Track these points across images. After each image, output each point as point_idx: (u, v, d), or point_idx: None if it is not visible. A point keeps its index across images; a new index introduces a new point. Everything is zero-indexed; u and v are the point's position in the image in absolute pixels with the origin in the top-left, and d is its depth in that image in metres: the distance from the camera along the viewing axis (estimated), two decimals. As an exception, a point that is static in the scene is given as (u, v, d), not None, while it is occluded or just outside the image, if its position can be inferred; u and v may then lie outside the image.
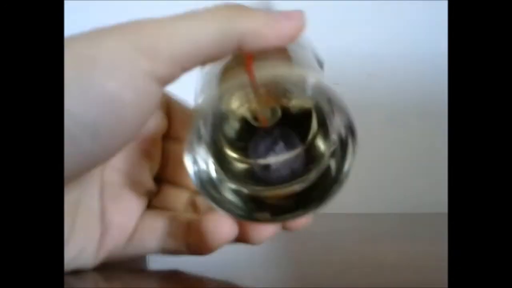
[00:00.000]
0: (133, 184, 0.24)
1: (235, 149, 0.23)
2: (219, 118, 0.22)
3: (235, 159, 0.23)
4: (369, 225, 0.40)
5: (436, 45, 0.55)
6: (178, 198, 0.25)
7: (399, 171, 0.56)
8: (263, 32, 0.20)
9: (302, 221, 0.22)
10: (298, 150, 0.23)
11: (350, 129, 0.21)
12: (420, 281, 0.20)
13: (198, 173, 0.21)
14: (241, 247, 0.22)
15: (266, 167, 0.23)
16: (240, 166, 0.23)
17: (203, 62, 0.21)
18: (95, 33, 0.19)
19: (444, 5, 0.57)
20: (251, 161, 0.23)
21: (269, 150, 0.23)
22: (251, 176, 0.23)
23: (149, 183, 0.25)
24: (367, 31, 0.56)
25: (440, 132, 0.54)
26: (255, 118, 0.23)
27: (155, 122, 0.24)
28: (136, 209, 0.24)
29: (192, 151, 0.21)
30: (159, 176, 0.25)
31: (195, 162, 0.21)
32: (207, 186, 0.21)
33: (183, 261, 0.24)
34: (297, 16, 0.21)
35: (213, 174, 0.22)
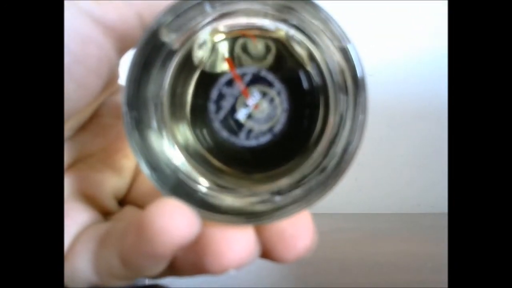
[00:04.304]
0: (83, 197, 0.19)
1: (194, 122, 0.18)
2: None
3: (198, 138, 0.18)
4: (369, 225, 0.40)
5: (436, 46, 0.55)
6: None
7: (399, 171, 0.56)
8: None
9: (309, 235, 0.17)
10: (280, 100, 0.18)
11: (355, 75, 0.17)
12: (420, 281, 0.20)
13: (159, 178, 0.17)
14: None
15: (235, 126, 0.18)
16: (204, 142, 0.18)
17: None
18: None
19: (444, 5, 0.57)
20: (215, 123, 0.18)
21: (238, 103, 0.18)
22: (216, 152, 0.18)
23: (107, 202, 0.20)
24: (367, 32, 0.56)
25: (440, 132, 0.54)
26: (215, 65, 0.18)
27: None
28: (74, 227, 0.18)
29: (141, 152, 0.17)
30: (126, 197, 0.20)
31: (151, 166, 0.17)
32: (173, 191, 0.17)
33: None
34: None
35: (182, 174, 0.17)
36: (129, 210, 0.20)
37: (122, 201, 0.21)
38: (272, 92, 0.18)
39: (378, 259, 0.25)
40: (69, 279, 0.17)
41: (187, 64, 0.18)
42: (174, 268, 0.17)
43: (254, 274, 0.23)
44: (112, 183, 0.20)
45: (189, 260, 0.16)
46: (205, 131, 0.18)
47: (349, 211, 0.54)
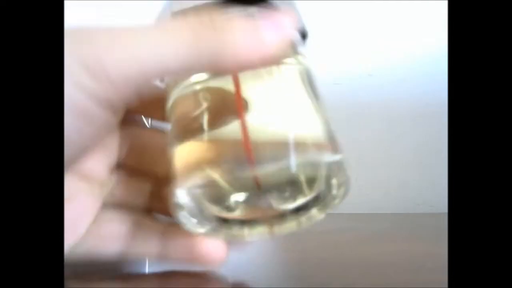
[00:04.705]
0: (83, 178, 0.21)
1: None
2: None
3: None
4: (369, 225, 0.40)
5: (436, 45, 0.55)
6: (141, 190, 0.22)
7: (399, 171, 0.56)
8: (240, 49, 0.16)
9: None
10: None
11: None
12: (420, 281, 0.20)
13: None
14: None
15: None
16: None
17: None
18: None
19: (444, 5, 0.57)
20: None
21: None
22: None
23: (103, 175, 0.22)
24: (368, 32, 0.56)
25: (440, 132, 0.54)
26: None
27: None
28: (87, 205, 0.21)
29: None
30: (117, 164, 0.23)
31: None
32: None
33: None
34: (284, 22, 0.17)
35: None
36: (128, 186, 0.23)
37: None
38: None
39: (378, 259, 0.25)
40: (86, 256, 0.20)
41: None
42: None
43: (253, 274, 0.23)
44: (107, 161, 0.22)
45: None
46: None
47: (349, 211, 0.54)
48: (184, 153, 0.18)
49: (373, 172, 0.56)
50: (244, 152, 0.17)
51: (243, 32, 0.16)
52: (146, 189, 0.23)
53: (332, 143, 0.19)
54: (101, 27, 0.16)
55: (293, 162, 0.17)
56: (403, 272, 0.22)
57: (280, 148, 0.17)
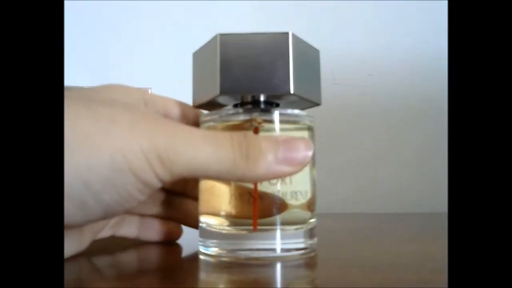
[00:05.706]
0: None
1: None
2: None
3: None
4: (369, 225, 0.40)
5: (436, 45, 0.55)
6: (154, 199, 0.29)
7: (399, 171, 0.56)
8: (262, 177, 0.23)
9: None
10: None
11: None
12: (420, 281, 0.20)
13: None
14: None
15: None
16: None
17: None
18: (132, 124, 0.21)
19: (444, 5, 0.57)
20: None
21: None
22: None
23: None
24: (367, 32, 0.56)
25: (440, 132, 0.54)
26: None
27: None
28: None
29: None
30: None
31: None
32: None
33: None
34: (302, 154, 0.23)
35: None
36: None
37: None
38: None
39: (378, 259, 0.25)
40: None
41: None
42: None
43: (252, 274, 0.23)
44: None
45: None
46: None
47: (350, 211, 0.54)
48: (209, 202, 0.27)
49: (373, 172, 0.56)
50: (252, 223, 0.25)
51: (267, 165, 0.22)
52: (159, 198, 0.30)
53: (311, 206, 0.26)
54: (176, 126, 0.22)
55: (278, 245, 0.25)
56: (403, 272, 0.22)
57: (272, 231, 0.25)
